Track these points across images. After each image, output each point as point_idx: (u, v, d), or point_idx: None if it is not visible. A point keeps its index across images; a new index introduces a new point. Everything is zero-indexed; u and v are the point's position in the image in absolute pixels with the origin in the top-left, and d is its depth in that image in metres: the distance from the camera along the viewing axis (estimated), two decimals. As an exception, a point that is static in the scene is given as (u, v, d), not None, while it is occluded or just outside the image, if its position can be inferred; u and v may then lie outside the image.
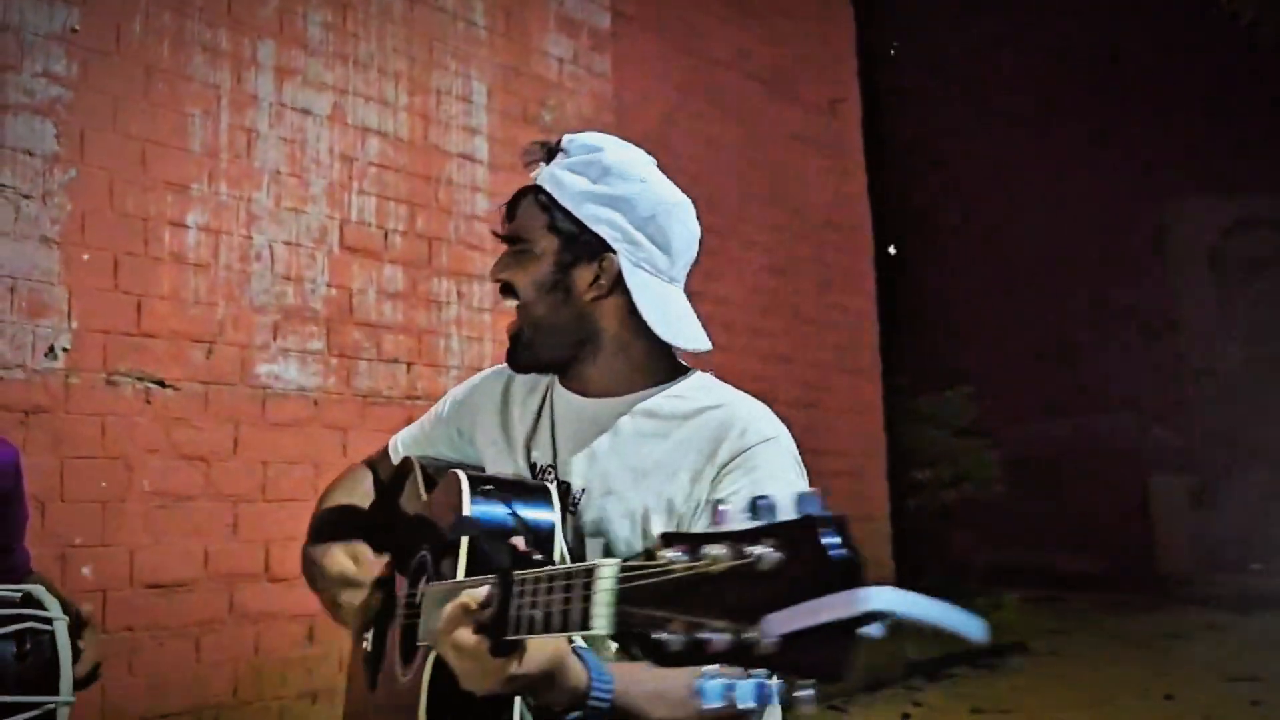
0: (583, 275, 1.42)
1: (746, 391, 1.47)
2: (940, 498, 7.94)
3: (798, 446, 1.43)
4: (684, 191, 1.50)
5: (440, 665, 1.20)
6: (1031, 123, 16.18)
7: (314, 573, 1.57)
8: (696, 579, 0.88)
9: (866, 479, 6.70)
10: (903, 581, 7.01)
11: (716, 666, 0.85)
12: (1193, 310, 17.03)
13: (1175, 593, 11.73)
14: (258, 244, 3.70)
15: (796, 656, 0.81)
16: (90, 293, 3.25)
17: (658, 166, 1.51)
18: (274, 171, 3.77)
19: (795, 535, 0.83)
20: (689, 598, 0.89)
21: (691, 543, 0.90)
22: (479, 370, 1.73)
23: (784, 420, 1.46)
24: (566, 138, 1.46)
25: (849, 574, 0.80)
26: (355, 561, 1.52)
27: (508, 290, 1.48)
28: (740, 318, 5.70)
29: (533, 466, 1.51)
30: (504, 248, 1.48)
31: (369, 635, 1.60)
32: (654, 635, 0.90)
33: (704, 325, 1.48)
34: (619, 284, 1.41)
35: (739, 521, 0.87)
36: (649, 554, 0.95)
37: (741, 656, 0.83)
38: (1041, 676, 6.86)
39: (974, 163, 15.80)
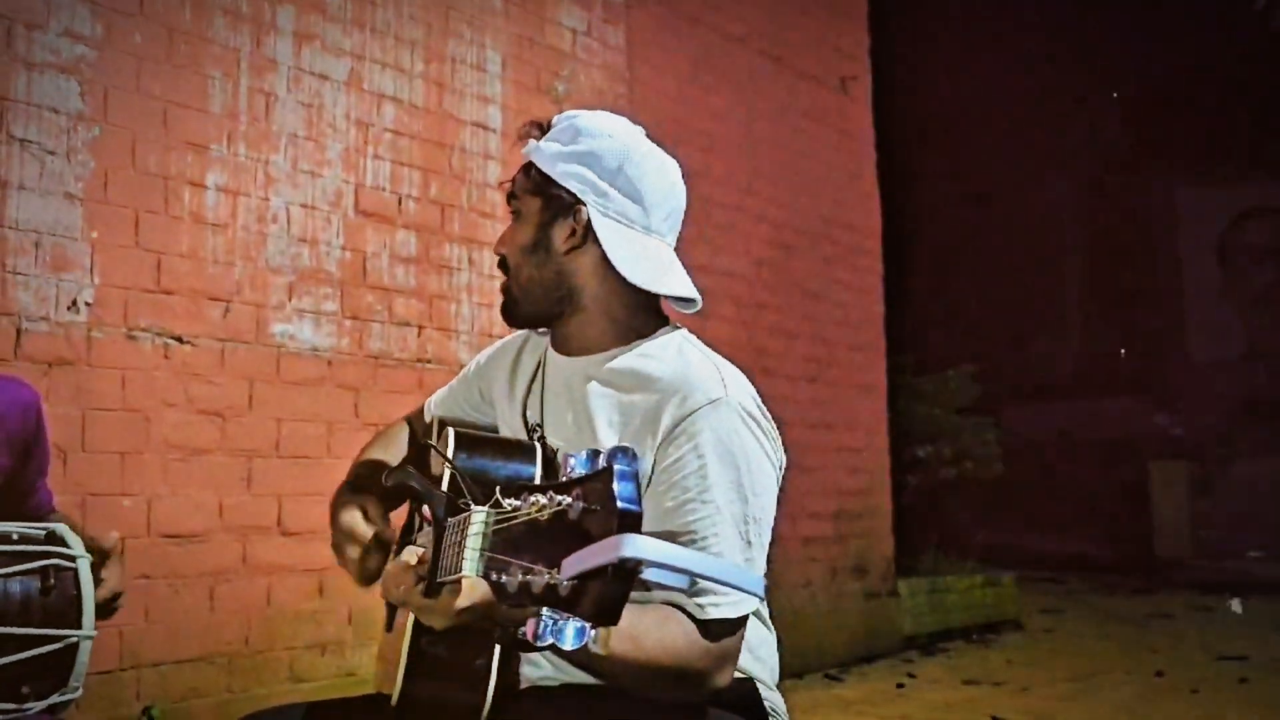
0: (560, 232, 1.51)
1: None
2: (940, 475, 8.01)
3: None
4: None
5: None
6: (1042, 105, 16.14)
7: (332, 516, 1.64)
8: (530, 525, 0.96)
9: (869, 455, 6.76)
10: (902, 558, 7.08)
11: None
12: (1198, 296, 17.03)
13: (1172, 577, 11.79)
14: (274, 206, 3.77)
15: (582, 599, 0.88)
16: (112, 249, 3.33)
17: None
18: (291, 135, 3.84)
19: (596, 486, 0.92)
20: (523, 544, 0.97)
21: (527, 491, 0.99)
22: (488, 336, 1.83)
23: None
24: (555, 116, 1.58)
25: (626, 522, 0.87)
26: (364, 516, 1.58)
27: (503, 264, 1.59)
28: (747, 292, 5.76)
29: (527, 425, 1.59)
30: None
31: None
32: (498, 579, 0.98)
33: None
34: (591, 235, 1.49)
35: (578, 469, 0.97)
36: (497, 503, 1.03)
37: (551, 599, 0.90)
38: (1034, 652, 6.95)
39: (983, 143, 15.78)
